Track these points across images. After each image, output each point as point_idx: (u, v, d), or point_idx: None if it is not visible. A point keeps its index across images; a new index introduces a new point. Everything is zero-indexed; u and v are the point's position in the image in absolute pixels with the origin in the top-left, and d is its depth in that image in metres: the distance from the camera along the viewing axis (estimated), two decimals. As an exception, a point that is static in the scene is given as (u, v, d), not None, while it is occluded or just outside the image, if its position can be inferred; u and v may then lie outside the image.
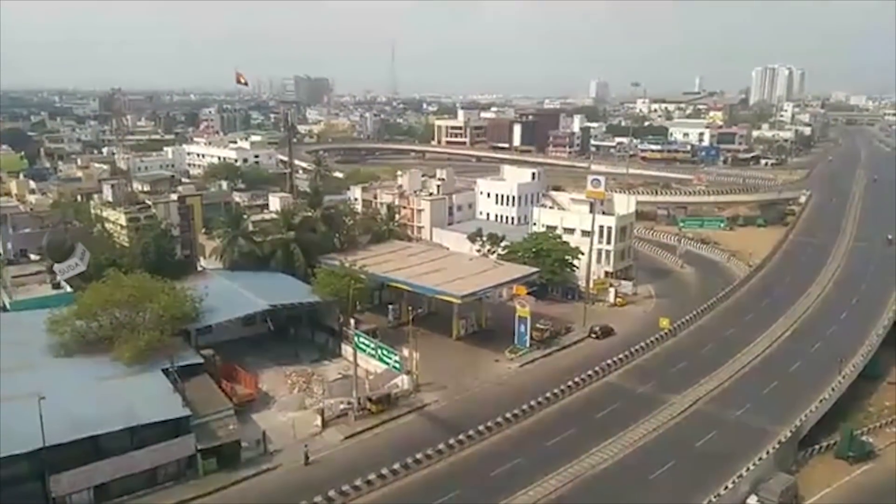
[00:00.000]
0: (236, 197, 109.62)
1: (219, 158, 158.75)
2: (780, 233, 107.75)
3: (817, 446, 46.96)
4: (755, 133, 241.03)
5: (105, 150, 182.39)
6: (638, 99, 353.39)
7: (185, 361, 47.68)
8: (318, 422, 48.31)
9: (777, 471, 42.27)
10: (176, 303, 51.66)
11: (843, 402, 52.72)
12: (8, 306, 58.57)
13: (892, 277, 79.87)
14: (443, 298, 63.67)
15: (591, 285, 75.95)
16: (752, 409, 50.55)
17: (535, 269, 71.64)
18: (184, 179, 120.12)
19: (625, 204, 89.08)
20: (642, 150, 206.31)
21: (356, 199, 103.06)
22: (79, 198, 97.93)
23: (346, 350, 57.74)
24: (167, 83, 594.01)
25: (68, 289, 60.05)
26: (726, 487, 39.78)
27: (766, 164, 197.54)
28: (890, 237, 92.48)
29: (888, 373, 61.24)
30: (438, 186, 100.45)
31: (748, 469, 41.39)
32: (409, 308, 62.00)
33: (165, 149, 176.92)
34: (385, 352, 49.52)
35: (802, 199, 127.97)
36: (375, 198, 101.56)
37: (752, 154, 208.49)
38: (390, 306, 69.01)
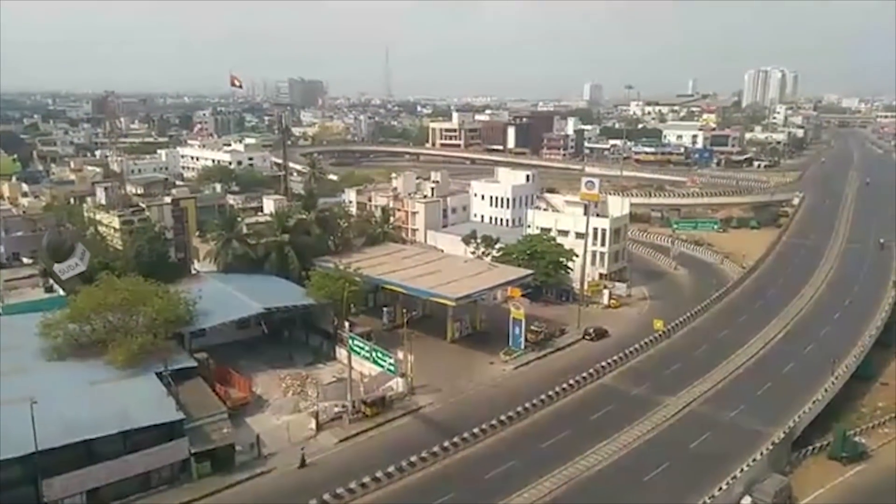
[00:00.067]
0: (230, 199, 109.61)
1: (213, 161, 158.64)
2: (773, 234, 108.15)
3: (811, 447, 47.13)
4: (748, 135, 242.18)
5: (98, 152, 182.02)
6: (632, 101, 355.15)
7: (179, 365, 47.54)
8: (313, 425, 48.20)
9: (771, 472, 42.38)
10: (169, 306, 51.50)
11: (836, 402, 52.97)
12: (0, 310, 58.27)
13: (884, 279, 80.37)
14: (437, 301, 63.68)
15: (586, 287, 76.09)
16: (746, 411, 50.69)
17: (529, 272, 71.76)
18: (177, 182, 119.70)
19: (619, 206, 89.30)
20: (636, 153, 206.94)
21: (350, 202, 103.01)
22: (72, 201, 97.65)
23: (341, 353, 57.70)
24: (164, 84, 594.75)
25: (61, 292, 59.84)
26: (720, 489, 39.86)
27: (759, 166, 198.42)
28: (882, 241, 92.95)
29: (880, 374, 61.65)
30: (433, 189, 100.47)
31: (742, 470, 41.51)
32: (404, 310, 61.93)
33: (159, 151, 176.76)
34: (379, 354, 49.46)
35: (795, 201, 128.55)
36: (370, 200, 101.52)
37: (745, 156, 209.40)
38: (385, 309, 68.98)
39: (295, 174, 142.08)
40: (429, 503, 39.76)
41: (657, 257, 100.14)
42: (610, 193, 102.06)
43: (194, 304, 54.23)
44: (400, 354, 53.19)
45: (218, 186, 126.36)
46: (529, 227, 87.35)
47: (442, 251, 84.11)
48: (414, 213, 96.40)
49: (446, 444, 45.36)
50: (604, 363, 58.51)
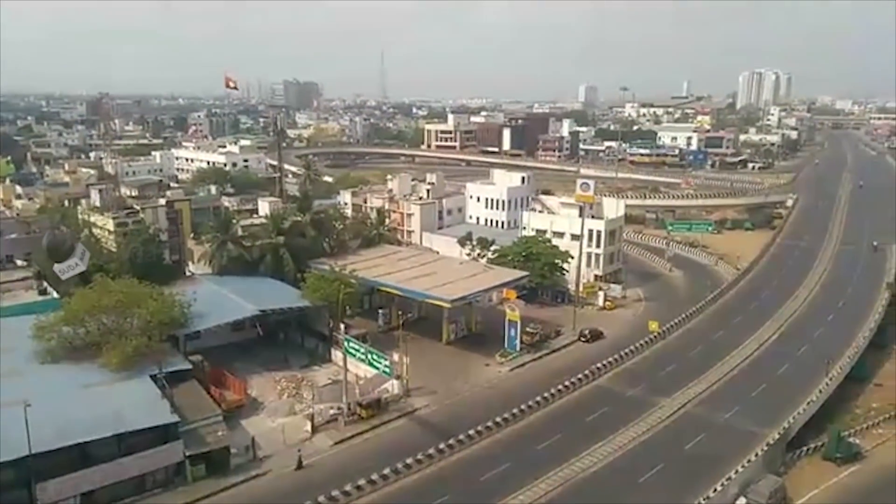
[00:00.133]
0: (225, 201, 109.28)
1: (207, 163, 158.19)
2: (767, 236, 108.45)
3: (805, 448, 47.26)
4: (742, 137, 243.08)
5: (92, 154, 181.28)
6: (626, 103, 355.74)
7: (174, 367, 47.42)
8: (308, 427, 48.13)
9: (765, 473, 42.48)
10: (164, 308, 51.37)
11: (830, 403, 53.12)
12: (-7, 312, 58.02)
13: (877, 280, 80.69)
14: (433, 303, 63.69)
15: (581, 289, 76.18)
16: (741, 412, 50.81)
17: (524, 273, 71.85)
18: (172, 184, 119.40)
19: (614, 208, 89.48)
20: (631, 154, 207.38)
21: (346, 204, 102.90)
22: (66, 203, 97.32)
23: (336, 355, 57.61)
24: (158, 85, 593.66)
25: (55, 295, 59.64)
26: (715, 490, 39.98)
27: (754, 167, 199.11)
28: (875, 243, 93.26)
29: (874, 375, 61.85)
30: (428, 191, 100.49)
31: (737, 471, 41.58)
32: (400, 312, 61.95)
33: (154, 153, 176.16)
34: (375, 356, 49.41)
35: (789, 203, 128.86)
36: (365, 202, 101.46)
37: (739, 158, 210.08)
38: (380, 311, 68.97)
39: (290, 176, 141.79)
40: (424, 505, 39.71)
41: (652, 259, 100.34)
42: (605, 195, 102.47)
43: (189, 306, 54.10)
44: (395, 356, 53.23)
45: (213, 188, 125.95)
46: (525, 228, 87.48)
47: (437, 253, 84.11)
48: (409, 215, 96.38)
49: (442, 446, 45.34)
50: (599, 365, 58.57)
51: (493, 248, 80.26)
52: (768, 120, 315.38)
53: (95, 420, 39.88)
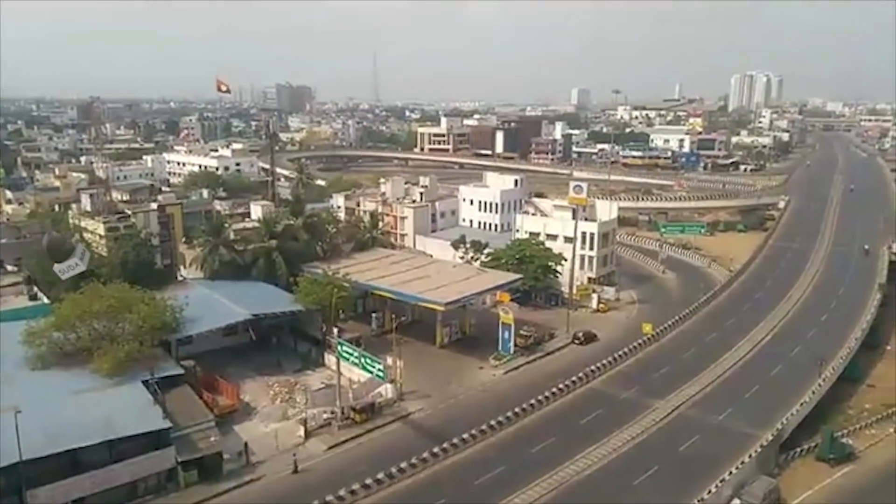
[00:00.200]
0: (217, 205, 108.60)
1: (199, 167, 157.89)
2: (759, 238, 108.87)
3: (799, 449, 47.34)
4: (734, 139, 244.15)
5: (83, 159, 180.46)
6: (619, 106, 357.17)
7: (166, 372, 47.14)
8: (301, 432, 47.89)
9: (759, 474, 42.53)
10: (156, 313, 51.03)
11: (823, 404, 53.32)
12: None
13: (869, 281, 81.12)
14: (426, 306, 63.59)
15: (574, 291, 76.21)
16: (735, 413, 50.89)
17: (518, 276, 71.85)
18: (164, 188, 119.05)
19: (607, 210, 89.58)
20: (624, 157, 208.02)
21: (339, 207, 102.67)
22: (56, 207, 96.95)
23: (330, 359, 57.40)
24: (149, 86, 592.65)
25: (45, 300, 59.21)
26: (709, 491, 39.98)
27: (746, 169, 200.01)
28: (866, 247, 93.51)
29: (867, 375, 62.18)
30: (421, 194, 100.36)
31: (731, 473, 41.67)
32: (393, 316, 61.77)
33: (145, 157, 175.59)
34: (369, 360, 49.25)
35: (781, 205, 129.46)
36: (358, 205, 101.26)
37: (731, 160, 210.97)
38: (374, 314, 68.77)
39: (282, 179, 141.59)
40: (418, 510, 39.58)
41: (645, 261, 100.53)
42: (598, 197, 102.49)
43: (181, 311, 53.76)
44: (389, 360, 53.13)
45: (205, 192, 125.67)
46: (518, 231, 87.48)
47: (431, 256, 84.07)
48: (403, 218, 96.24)
49: (436, 449, 45.18)
50: (593, 367, 58.56)
51: (486, 250, 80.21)
52: (760, 122, 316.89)
53: (86, 426, 39.54)
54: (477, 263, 78.30)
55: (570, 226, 79.63)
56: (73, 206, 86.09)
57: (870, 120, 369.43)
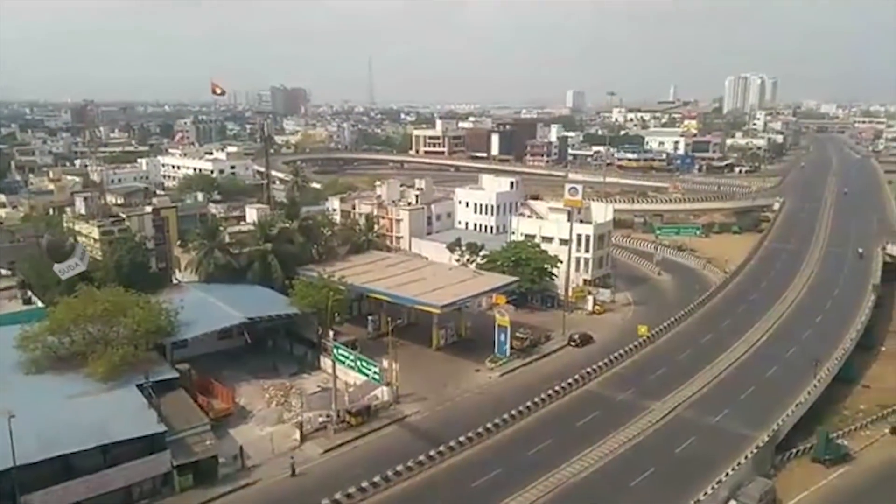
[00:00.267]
0: (212, 208, 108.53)
1: (194, 170, 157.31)
2: (754, 239, 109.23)
3: (794, 450, 47.37)
4: (729, 141, 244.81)
5: (78, 162, 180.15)
6: (614, 108, 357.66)
7: (161, 376, 46.90)
8: (297, 435, 47.73)
9: (755, 475, 42.55)
10: (151, 317, 50.77)
11: (818, 405, 53.38)
12: (-24, 323, 57.17)
13: (864, 282, 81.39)
14: (422, 309, 63.50)
15: (570, 293, 76.23)
16: (730, 415, 50.95)
17: (514, 278, 71.84)
18: (158, 191, 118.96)
19: (602, 212, 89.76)
20: (619, 159, 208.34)
21: (334, 210, 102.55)
22: (51, 211, 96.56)
23: (325, 362, 57.25)
24: (144, 88, 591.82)
25: (39, 304, 58.93)
26: (706, 493, 39.96)
27: (740, 171, 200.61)
28: (860, 251, 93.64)
29: (862, 376, 62.30)
30: (417, 196, 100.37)
31: (727, 474, 41.71)
32: (389, 319, 61.70)
33: (140, 160, 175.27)
34: (364, 363, 49.15)
35: (776, 206, 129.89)
36: (354, 208, 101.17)
37: (726, 162, 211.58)
38: (369, 317, 68.64)
39: (277, 182, 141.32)
40: (415, 513, 39.49)
41: (641, 263, 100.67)
42: (593, 200, 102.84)
43: (176, 314, 53.51)
44: (385, 363, 53.01)
45: (199, 195, 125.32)
46: (514, 233, 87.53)
47: (426, 259, 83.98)
48: (398, 221, 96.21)
49: (432, 452, 45.09)
50: (589, 369, 58.58)
51: (482, 253, 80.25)
52: (754, 124, 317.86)
53: (81, 431, 39.35)
54: (473, 266, 78.34)
55: (565, 228, 79.68)
56: (68, 209, 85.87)
57: (863, 121, 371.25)
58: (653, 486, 42.12)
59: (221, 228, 77.01)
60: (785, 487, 43.02)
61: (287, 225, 74.45)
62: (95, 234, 71.57)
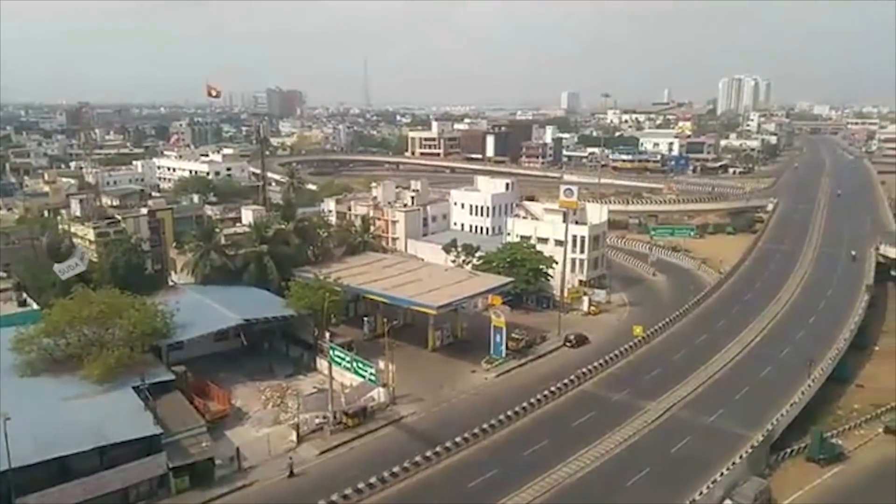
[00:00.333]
0: (208, 210, 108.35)
1: (190, 172, 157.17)
2: (749, 240, 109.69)
3: (789, 449, 47.65)
4: (723, 142, 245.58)
5: (73, 164, 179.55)
6: (608, 110, 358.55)
7: (156, 378, 46.88)
8: (293, 437, 47.74)
9: (750, 475, 42.79)
10: (146, 319, 50.73)
11: (812, 405, 53.67)
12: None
13: (857, 282, 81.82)
14: (418, 310, 63.59)
15: (566, 294, 76.45)
16: (725, 415, 51.17)
17: (509, 279, 71.99)
18: (154, 193, 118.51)
19: (597, 213, 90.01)
20: (614, 161, 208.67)
21: (330, 212, 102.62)
22: (46, 213, 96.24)
23: (322, 364, 57.23)
24: (139, 89, 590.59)
25: (35, 306, 58.79)
26: (701, 493, 40.14)
27: (734, 172, 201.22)
28: (854, 253, 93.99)
29: (856, 376, 62.65)
30: (413, 198, 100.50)
31: (722, 474, 41.83)
32: (385, 320, 61.74)
33: (135, 162, 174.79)
34: (361, 364, 49.21)
35: (770, 207, 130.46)
36: (350, 210, 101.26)
37: (720, 163, 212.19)
38: (366, 319, 68.69)
39: (273, 184, 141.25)
40: (411, 513, 39.55)
41: (635, 264, 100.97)
42: (588, 201, 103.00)
43: (172, 316, 53.43)
44: (381, 364, 53.09)
45: (195, 197, 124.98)
46: (509, 235, 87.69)
47: (422, 260, 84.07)
48: (394, 222, 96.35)
49: (429, 453, 45.16)
50: (584, 370, 58.74)
51: (478, 254, 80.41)
52: (748, 125, 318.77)
53: (77, 433, 39.30)
54: (468, 267, 78.51)
55: (560, 229, 79.90)
56: (63, 211, 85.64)
57: (856, 123, 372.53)
58: (648, 486, 42.28)
59: (217, 230, 76.87)
60: (780, 487, 43.26)
61: (283, 226, 74.40)
62: (91, 235, 71.42)
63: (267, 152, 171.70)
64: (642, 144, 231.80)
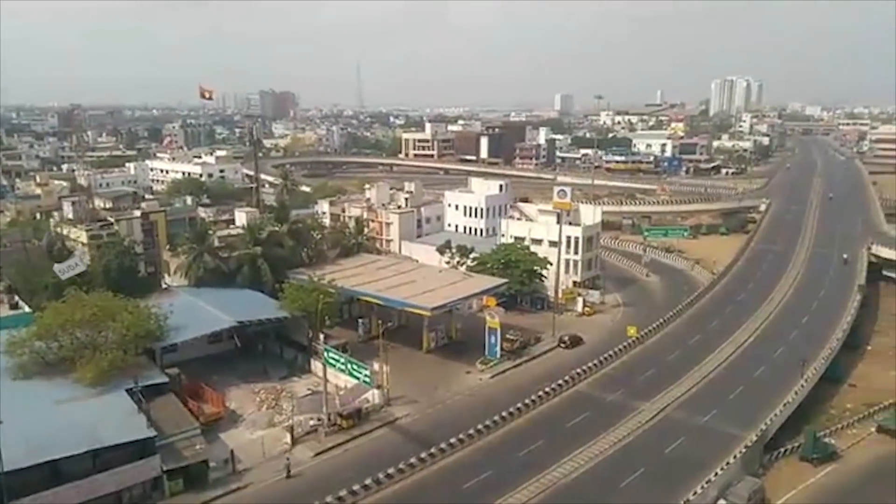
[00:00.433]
0: (201, 212, 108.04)
1: (183, 174, 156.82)
2: (741, 241, 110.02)
3: (782, 449, 47.76)
4: (715, 143, 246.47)
5: (65, 166, 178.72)
6: (602, 111, 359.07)
7: (150, 381, 46.77)
8: (288, 439, 47.66)
9: (744, 474, 42.89)
10: (140, 321, 50.59)
11: (806, 405, 53.86)
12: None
13: (849, 283, 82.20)
14: (413, 311, 63.58)
15: (560, 295, 76.56)
16: (719, 415, 51.32)
17: (503, 280, 72.01)
18: (147, 195, 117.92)
19: (591, 214, 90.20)
20: (607, 162, 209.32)
21: (324, 213, 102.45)
22: (38, 216, 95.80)
23: (316, 365, 57.22)
24: (133, 89, 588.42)
25: (27, 309, 58.50)
26: (695, 493, 40.26)
27: (727, 173, 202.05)
28: (845, 256, 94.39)
29: (848, 375, 62.89)
30: (406, 199, 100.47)
31: (716, 474, 42.02)
32: (379, 322, 61.70)
33: (128, 165, 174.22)
34: (355, 366, 49.15)
35: (762, 208, 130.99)
36: (343, 211, 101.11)
37: (713, 164, 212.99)
38: (360, 320, 68.62)
39: (267, 186, 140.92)
40: (406, 515, 39.52)
41: (629, 264, 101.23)
42: (582, 202, 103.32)
43: (165, 318, 53.33)
44: (376, 366, 52.94)
45: (188, 199, 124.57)
46: (503, 236, 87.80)
47: (416, 261, 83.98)
48: (388, 224, 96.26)
49: (423, 454, 45.15)
50: (579, 370, 58.84)
51: (472, 255, 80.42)
52: (740, 126, 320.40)
53: (70, 436, 39.12)
54: (463, 268, 78.51)
55: (554, 230, 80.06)
56: (55, 214, 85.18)
57: (848, 124, 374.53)
58: (643, 486, 42.37)
59: (211, 232, 76.74)
60: (773, 486, 43.39)
61: (277, 228, 74.25)
62: (84, 238, 71.16)
63: (260, 154, 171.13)
64: (635, 146, 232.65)
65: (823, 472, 45.95)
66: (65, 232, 75.71)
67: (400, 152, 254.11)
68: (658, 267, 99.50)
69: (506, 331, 65.02)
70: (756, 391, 55.13)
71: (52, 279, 61.56)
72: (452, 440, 46.98)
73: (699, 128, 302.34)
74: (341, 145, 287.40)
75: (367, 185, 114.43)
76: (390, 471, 43.09)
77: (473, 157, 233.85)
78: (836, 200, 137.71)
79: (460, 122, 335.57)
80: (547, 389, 55.17)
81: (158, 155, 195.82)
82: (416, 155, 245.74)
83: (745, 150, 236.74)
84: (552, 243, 79.98)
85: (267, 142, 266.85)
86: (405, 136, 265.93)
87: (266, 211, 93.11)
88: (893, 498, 42.34)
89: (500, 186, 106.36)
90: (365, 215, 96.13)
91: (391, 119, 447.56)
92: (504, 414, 50.99)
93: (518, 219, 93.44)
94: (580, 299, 79.15)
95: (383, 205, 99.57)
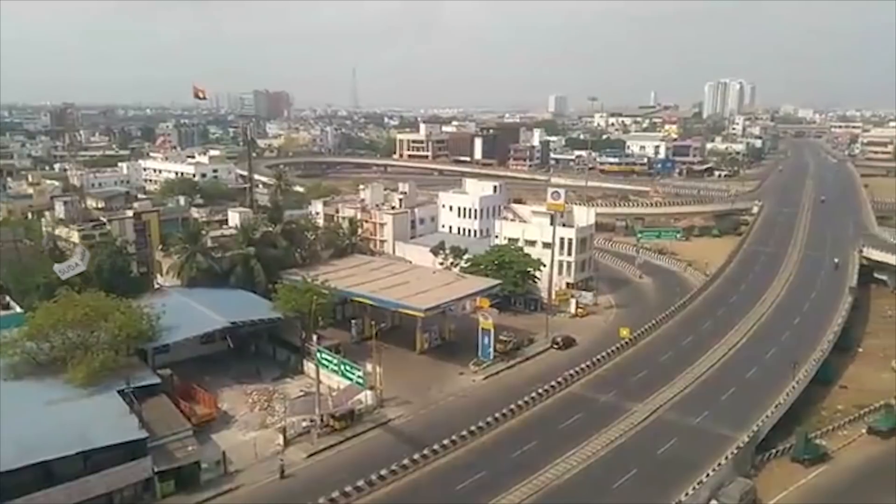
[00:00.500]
0: (194, 212, 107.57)
1: (176, 174, 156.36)
2: (734, 242, 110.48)
3: (774, 450, 48.00)
4: (709, 145, 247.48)
5: (57, 166, 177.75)
6: (596, 113, 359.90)
7: (142, 382, 46.43)
8: (280, 440, 47.54)
9: (736, 475, 43.08)
10: (132, 321, 50.29)
11: (797, 406, 54.14)
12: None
13: (841, 284, 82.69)
14: (406, 312, 63.54)
15: (553, 296, 76.68)
16: (711, 416, 51.51)
17: (497, 282, 72.09)
18: (140, 195, 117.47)
19: (584, 216, 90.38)
20: (601, 163, 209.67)
21: (318, 214, 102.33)
22: (30, 215, 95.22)
23: (309, 366, 57.05)
24: (126, 89, 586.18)
25: (18, 309, 58.16)
26: (687, 494, 40.41)
27: (720, 175, 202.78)
28: (836, 261, 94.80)
29: (839, 377, 63.26)
30: (400, 200, 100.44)
31: (708, 475, 42.14)
32: (373, 322, 61.63)
33: (120, 164, 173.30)
34: (348, 367, 49.08)
35: (755, 210, 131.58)
36: (337, 212, 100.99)
37: (706, 166, 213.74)
38: (353, 321, 68.52)
39: (260, 186, 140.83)
40: (399, 516, 39.47)
41: (622, 266, 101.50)
42: (575, 203, 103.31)
43: (157, 319, 53.02)
44: (369, 367, 53.02)
45: (181, 199, 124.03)
46: (497, 237, 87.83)
47: (410, 262, 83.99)
48: (382, 225, 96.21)
49: (416, 456, 45.13)
50: (572, 371, 58.95)
51: (465, 256, 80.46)
52: (733, 129, 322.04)
53: (61, 437, 38.90)
54: (456, 269, 78.53)
55: (548, 231, 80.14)
56: (47, 213, 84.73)
57: (840, 126, 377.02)
58: (635, 487, 42.48)
59: (204, 232, 76.53)
60: (765, 487, 43.61)
61: (270, 229, 74.11)
62: (76, 238, 70.84)
63: (254, 154, 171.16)
64: (629, 147, 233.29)
65: (815, 472, 46.21)
66: (57, 232, 75.35)
67: (394, 153, 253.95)
68: (651, 268, 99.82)
69: (499, 332, 65.05)
70: (748, 392, 55.37)
71: (43, 279, 61.27)
72: (445, 441, 46.98)
73: (692, 130, 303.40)
74: (335, 146, 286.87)
75: (361, 186, 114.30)
76: (383, 472, 43.06)
77: (468, 158, 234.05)
78: (828, 203, 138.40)
79: (455, 122, 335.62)
80: (540, 390, 55.23)
81: (151, 155, 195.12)
82: (410, 156, 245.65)
83: (738, 153, 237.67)
84: (546, 245, 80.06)
85: (261, 142, 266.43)
86: (399, 136, 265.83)
87: (259, 211, 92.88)
88: (883, 498, 42.63)
89: (495, 187, 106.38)
90: (359, 216, 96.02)
91: (385, 119, 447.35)
92: (497, 415, 51.02)
93: (512, 220, 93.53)
94: (573, 300, 79.29)
95: (377, 205, 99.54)
